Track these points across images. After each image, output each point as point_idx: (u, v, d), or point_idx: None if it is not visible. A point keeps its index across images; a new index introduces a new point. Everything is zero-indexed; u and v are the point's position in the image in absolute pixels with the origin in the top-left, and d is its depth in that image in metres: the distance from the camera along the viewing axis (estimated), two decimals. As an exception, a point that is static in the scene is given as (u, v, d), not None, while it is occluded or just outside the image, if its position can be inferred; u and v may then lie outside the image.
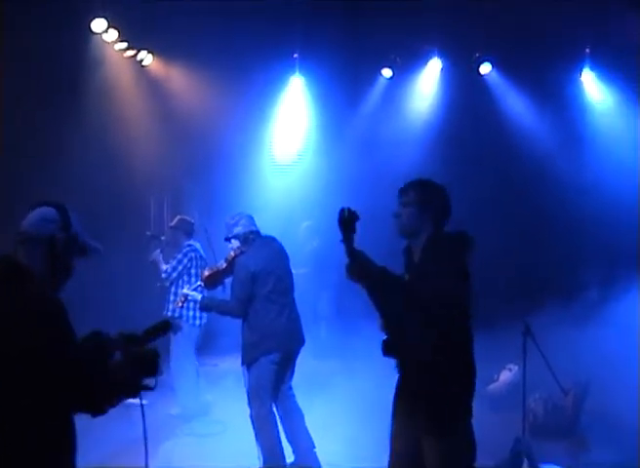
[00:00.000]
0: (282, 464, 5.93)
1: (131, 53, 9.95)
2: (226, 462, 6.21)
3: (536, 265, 9.30)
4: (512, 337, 6.16)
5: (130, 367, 2.84)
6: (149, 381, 2.92)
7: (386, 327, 3.80)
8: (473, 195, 10.38)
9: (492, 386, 8.02)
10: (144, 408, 3.05)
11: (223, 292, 6.40)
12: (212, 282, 6.24)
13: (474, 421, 7.26)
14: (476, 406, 7.70)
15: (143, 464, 5.61)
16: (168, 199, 10.92)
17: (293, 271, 11.03)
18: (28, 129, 7.57)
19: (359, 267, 3.68)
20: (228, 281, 6.20)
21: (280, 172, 11.68)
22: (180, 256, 7.53)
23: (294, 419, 6.08)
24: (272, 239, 6.18)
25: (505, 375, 8.00)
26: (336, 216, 3.82)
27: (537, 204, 10.13)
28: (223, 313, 6.20)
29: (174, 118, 10.45)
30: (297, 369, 9.40)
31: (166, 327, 3.13)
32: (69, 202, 8.05)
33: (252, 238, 5.99)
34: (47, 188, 7.67)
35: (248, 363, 5.89)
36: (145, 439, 3.04)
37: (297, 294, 10.87)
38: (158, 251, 7.77)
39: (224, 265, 6.06)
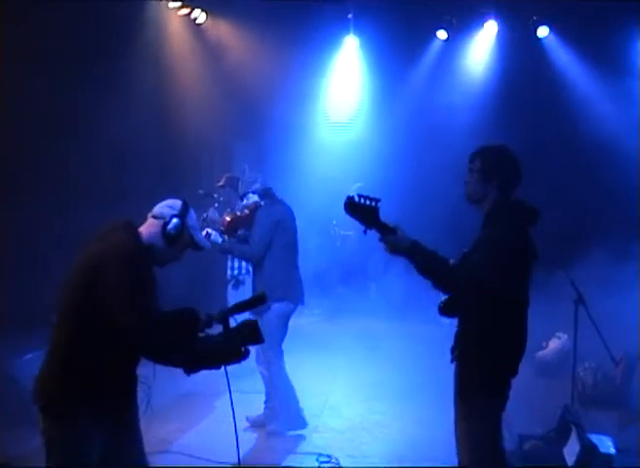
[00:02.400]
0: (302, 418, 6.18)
1: (185, 11, 9.95)
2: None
3: (591, 233, 9.13)
4: (563, 305, 6.12)
5: (233, 335, 3.31)
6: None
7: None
8: (529, 161, 10.26)
9: (540, 353, 8.01)
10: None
11: None
12: (231, 228, 6.40)
13: (522, 386, 7.35)
14: (524, 371, 7.78)
15: (190, 417, 5.76)
16: (219, 158, 10.97)
17: (342, 233, 11.24)
18: (82, 88, 7.60)
19: (390, 243, 3.61)
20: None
21: (333, 132, 11.66)
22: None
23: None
24: (281, 198, 6.38)
25: (555, 343, 7.99)
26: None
27: (593, 169, 9.94)
28: (242, 256, 6.51)
29: (228, 77, 10.45)
30: (346, 329, 9.63)
31: (262, 299, 3.64)
32: (122, 163, 8.14)
33: (270, 194, 6.31)
34: (98, 149, 7.83)
35: (260, 310, 5.85)
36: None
37: (345, 256, 10.99)
38: (212, 208, 7.83)
39: (247, 213, 6.25)
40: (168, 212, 3.50)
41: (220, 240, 6.19)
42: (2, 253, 6.48)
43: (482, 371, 3.71)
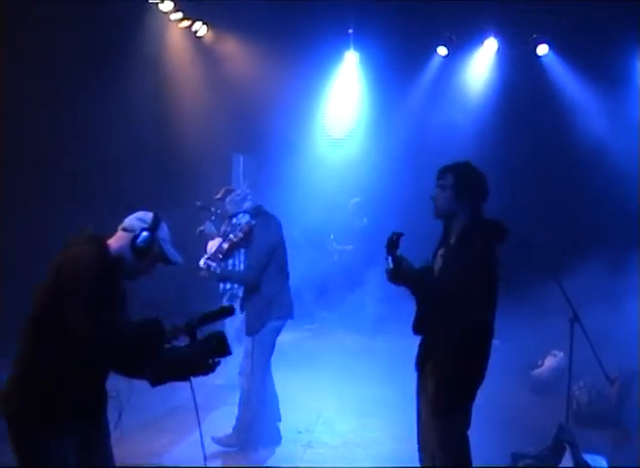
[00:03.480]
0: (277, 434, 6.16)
1: (186, 23, 9.97)
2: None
3: (590, 246, 9.10)
4: (559, 321, 6.09)
5: (200, 347, 3.24)
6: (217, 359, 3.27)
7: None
8: (528, 178, 10.28)
9: (536, 371, 7.99)
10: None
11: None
12: (229, 253, 6.36)
13: (517, 404, 7.33)
14: (519, 389, 7.81)
15: (184, 428, 5.72)
16: (218, 170, 10.96)
17: (338, 248, 11.23)
18: (81, 98, 7.62)
19: (399, 273, 3.79)
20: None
21: (331, 146, 11.67)
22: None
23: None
24: (271, 213, 6.30)
25: (550, 361, 7.95)
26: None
27: (593, 188, 9.94)
28: (240, 282, 6.40)
29: (227, 90, 10.47)
30: (341, 344, 9.59)
31: (230, 311, 3.52)
32: (119, 171, 8.13)
33: (262, 211, 6.21)
34: (98, 158, 7.82)
35: (257, 330, 5.96)
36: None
37: (342, 271, 10.97)
38: (209, 221, 7.80)
39: (241, 236, 6.12)
40: (138, 224, 3.46)
41: (218, 270, 6.12)
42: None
43: (454, 377, 3.89)
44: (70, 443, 3.26)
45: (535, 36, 10.30)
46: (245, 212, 6.24)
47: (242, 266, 6.71)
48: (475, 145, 10.01)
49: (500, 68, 10.72)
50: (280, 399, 6.20)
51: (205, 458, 3.75)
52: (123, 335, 3.19)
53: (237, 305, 7.43)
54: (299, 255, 7.10)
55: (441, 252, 4.03)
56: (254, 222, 6.10)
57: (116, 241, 3.43)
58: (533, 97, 10.31)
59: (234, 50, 10.77)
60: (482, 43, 10.57)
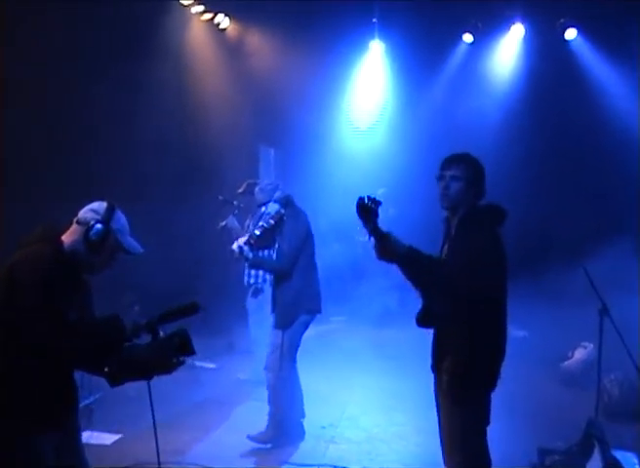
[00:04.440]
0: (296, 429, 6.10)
1: (208, 16, 9.91)
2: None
3: (622, 235, 8.89)
4: (588, 312, 5.93)
5: (162, 345, 3.15)
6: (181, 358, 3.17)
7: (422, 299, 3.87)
8: (555, 164, 10.08)
9: (566, 363, 7.85)
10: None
11: None
12: (261, 242, 6.23)
13: (545, 396, 7.18)
14: (548, 382, 7.67)
15: (207, 426, 5.69)
16: (245, 164, 10.91)
17: (365, 240, 11.10)
18: (105, 93, 7.61)
19: (385, 248, 3.58)
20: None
21: (356, 137, 11.55)
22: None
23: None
24: (299, 206, 6.24)
25: (580, 353, 7.80)
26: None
27: (620, 173, 9.71)
28: (272, 270, 6.29)
29: (252, 82, 10.41)
30: (367, 337, 9.50)
31: (194, 308, 3.32)
32: (143, 166, 8.16)
33: (291, 201, 6.15)
34: (122, 152, 7.81)
35: (289, 324, 5.90)
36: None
37: (370, 264, 10.87)
38: (232, 215, 7.76)
39: (272, 223, 6.01)
40: (91, 216, 3.32)
41: (250, 255, 6.03)
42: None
43: (468, 374, 3.72)
44: (46, 442, 3.19)
45: (562, 20, 10.09)
46: (275, 201, 6.21)
47: (273, 255, 6.62)
48: (502, 133, 9.90)
49: (526, 54, 10.52)
50: (305, 394, 6.15)
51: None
52: (80, 336, 3.09)
53: (260, 299, 7.44)
54: (325, 248, 7.02)
55: (446, 246, 3.94)
56: (284, 211, 6.04)
57: (70, 235, 3.31)
58: (560, 82, 10.08)
59: (258, 42, 10.71)
60: (508, 29, 10.38)
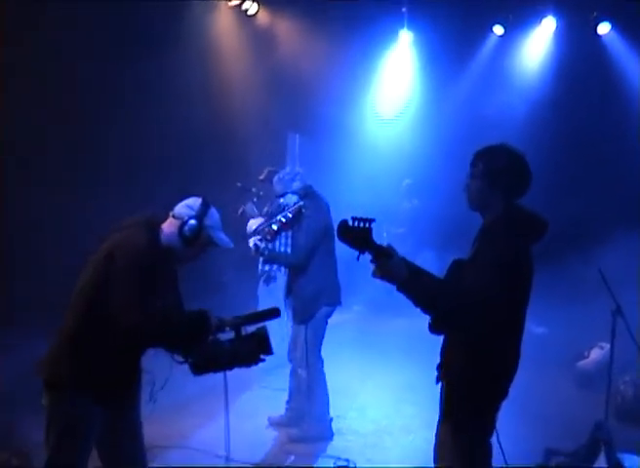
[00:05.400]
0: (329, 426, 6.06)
1: (236, 2, 9.86)
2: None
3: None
4: (604, 312, 5.83)
5: (244, 343, 3.48)
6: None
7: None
8: (586, 159, 9.90)
9: (581, 363, 7.76)
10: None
11: None
12: (276, 235, 6.17)
13: (558, 396, 7.09)
14: (564, 382, 7.57)
15: (213, 411, 5.72)
16: (272, 151, 10.87)
17: (396, 231, 11.00)
18: (131, 80, 7.62)
19: (385, 270, 3.24)
20: None
21: (382, 127, 11.44)
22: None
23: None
24: (320, 194, 6.09)
25: (596, 353, 7.70)
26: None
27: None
28: (287, 264, 6.16)
29: (279, 69, 10.34)
30: (383, 328, 9.45)
31: (276, 314, 3.77)
32: (169, 154, 8.18)
33: (311, 192, 6.00)
34: (149, 139, 7.83)
35: (310, 317, 5.86)
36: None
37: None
38: (251, 203, 7.73)
39: (290, 217, 5.91)
40: (186, 212, 3.55)
41: (266, 252, 6.01)
42: (37, 241, 6.53)
43: (472, 393, 3.42)
44: (98, 413, 3.41)
45: (595, 14, 9.88)
46: (293, 192, 6.04)
47: (288, 249, 6.57)
48: (530, 126, 9.73)
49: (557, 48, 10.30)
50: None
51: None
52: (169, 324, 3.35)
53: (271, 286, 7.42)
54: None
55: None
56: (302, 204, 5.91)
57: (167, 227, 3.55)
58: (591, 77, 9.86)
59: (286, 29, 10.61)
60: (540, 22, 10.19)
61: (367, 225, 3.24)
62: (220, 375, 3.54)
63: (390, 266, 3.24)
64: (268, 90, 10.09)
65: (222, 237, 3.65)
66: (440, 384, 3.58)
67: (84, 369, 3.36)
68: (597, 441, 5.07)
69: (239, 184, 7.72)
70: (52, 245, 6.51)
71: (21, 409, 5.58)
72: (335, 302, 6.04)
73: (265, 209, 7.63)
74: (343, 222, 3.28)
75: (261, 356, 3.50)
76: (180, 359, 3.42)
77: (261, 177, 7.70)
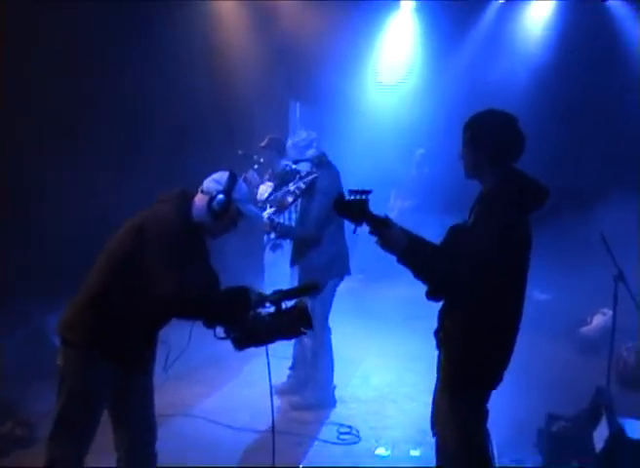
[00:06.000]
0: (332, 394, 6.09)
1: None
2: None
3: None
4: (607, 278, 5.81)
5: (284, 317, 3.50)
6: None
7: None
8: (588, 127, 9.84)
9: (584, 329, 7.78)
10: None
11: None
12: (287, 206, 6.02)
13: (561, 362, 7.09)
14: (566, 348, 7.60)
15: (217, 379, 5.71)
16: (274, 118, 10.81)
17: (398, 202, 10.91)
18: (133, 49, 7.59)
19: (385, 239, 3.27)
20: None
21: (384, 94, 11.34)
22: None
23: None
24: (333, 163, 5.95)
25: (599, 319, 7.71)
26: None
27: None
28: (299, 238, 5.97)
29: (279, 37, 10.25)
30: (389, 295, 9.42)
31: (316, 288, 3.86)
32: (172, 123, 8.13)
33: (325, 161, 5.86)
34: (151, 109, 7.82)
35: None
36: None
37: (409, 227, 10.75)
38: (252, 170, 7.70)
39: (303, 188, 5.73)
40: (214, 187, 3.58)
41: (279, 227, 5.87)
42: (36, 210, 6.54)
43: (468, 358, 3.40)
44: (111, 375, 3.47)
45: (600, -21, 9.76)
46: (307, 160, 5.87)
47: (292, 220, 6.50)
48: (533, 92, 9.65)
49: (561, 13, 10.16)
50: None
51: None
52: (208, 298, 3.41)
53: (277, 253, 7.40)
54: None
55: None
56: (316, 174, 5.74)
57: (197, 202, 3.58)
58: (595, 42, 9.75)
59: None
60: (543, -13, 10.08)
61: (363, 197, 3.25)
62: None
63: (389, 236, 3.27)
64: (270, 58, 10.03)
65: (252, 209, 3.71)
66: (438, 350, 3.58)
67: (102, 331, 3.41)
68: (598, 406, 5.08)
69: (241, 152, 7.69)
70: (52, 214, 6.53)
71: (25, 380, 5.65)
72: (344, 273, 6.00)
73: (266, 176, 7.62)
74: (339, 197, 3.33)
75: (302, 328, 3.54)
76: (222, 334, 3.45)
77: (263, 145, 7.68)
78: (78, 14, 6.99)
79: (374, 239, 3.32)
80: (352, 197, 3.26)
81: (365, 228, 3.32)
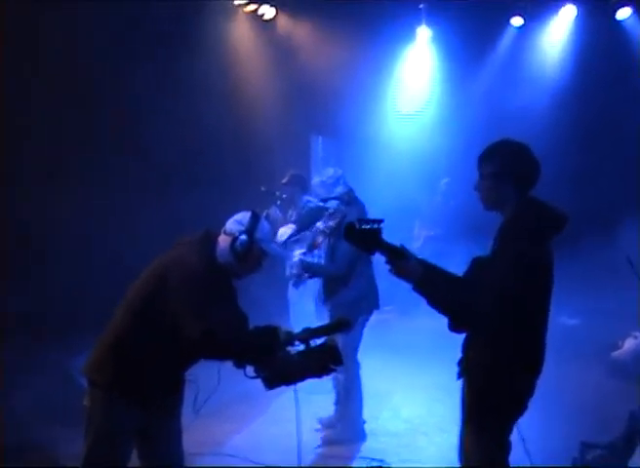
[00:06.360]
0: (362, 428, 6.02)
1: (252, 7, 9.87)
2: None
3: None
4: (636, 302, 5.75)
5: (314, 355, 3.46)
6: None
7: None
8: (605, 149, 9.80)
9: (616, 353, 7.67)
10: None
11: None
12: (318, 246, 6.01)
13: (594, 389, 6.99)
14: (598, 372, 7.48)
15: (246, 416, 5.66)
16: (293, 154, 10.87)
17: (424, 233, 10.86)
18: (150, 89, 7.67)
19: (400, 268, 3.29)
20: None
21: (405, 124, 11.36)
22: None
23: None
24: (361, 200, 5.98)
25: (630, 343, 7.61)
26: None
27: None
28: (327, 276, 6.00)
29: (298, 71, 10.35)
30: (414, 327, 9.37)
31: (347, 325, 3.82)
32: (192, 162, 8.22)
33: (353, 198, 5.89)
34: (172, 145, 7.88)
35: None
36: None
37: (432, 257, 10.69)
38: (274, 206, 7.73)
39: (332, 227, 5.75)
40: (236, 227, 3.57)
41: (311, 267, 5.92)
42: (60, 251, 6.59)
43: (491, 389, 3.39)
44: (137, 416, 3.49)
45: (614, -1, 9.77)
46: (335, 197, 5.89)
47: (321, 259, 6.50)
48: (553, 118, 9.66)
49: (577, 36, 10.20)
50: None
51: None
52: (238, 338, 3.43)
53: (301, 288, 7.38)
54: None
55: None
56: (345, 212, 5.75)
57: (220, 244, 3.57)
58: (612, 63, 9.76)
59: (303, 31, 10.60)
60: (558, 11, 10.11)
61: (375, 226, 3.26)
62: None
63: (404, 266, 3.28)
64: (289, 93, 10.10)
65: (275, 248, 3.76)
66: (462, 381, 3.55)
67: (126, 372, 3.44)
68: (633, 432, 5.00)
69: (263, 188, 7.72)
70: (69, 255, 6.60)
71: (55, 422, 5.67)
72: (373, 308, 5.99)
73: (290, 212, 7.64)
74: (350, 226, 3.30)
75: (332, 366, 3.50)
76: (252, 373, 3.44)
77: (285, 181, 7.71)
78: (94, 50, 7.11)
79: (388, 268, 3.34)
80: (363, 226, 3.26)
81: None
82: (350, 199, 5.86)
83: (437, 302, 3.30)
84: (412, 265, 3.29)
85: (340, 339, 5.61)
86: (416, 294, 6.94)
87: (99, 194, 6.93)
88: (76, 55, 6.90)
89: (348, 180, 6.08)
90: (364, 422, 6.05)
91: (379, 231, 3.26)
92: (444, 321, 3.46)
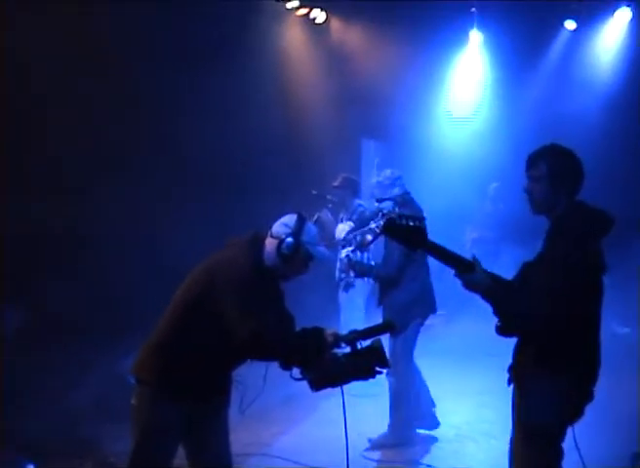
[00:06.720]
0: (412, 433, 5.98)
1: (303, 11, 9.92)
2: (377, 424, 6.15)
3: None
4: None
5: (361, 357, 3.46)
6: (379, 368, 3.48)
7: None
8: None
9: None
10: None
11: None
12: (368, 245, 6.06)
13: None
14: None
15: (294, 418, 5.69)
16: (345, 158, 10.88)
17: (474, 235, 10.77)
18: (206, 94, 7.76)
19: (470, 281, 3.29)
20: None
21: (456, 128, 11.31)
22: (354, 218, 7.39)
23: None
24: (417, 202, 5.97)
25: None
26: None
27: None
28: (378, 278, 6.03)
29: (350, 74, 10.37)
30: (465, 332, 9.31)
31: (392, 327, 3.88)
32: (245, 166, 8.26)
33: (409, 200, 5.88)
34: (228, 150, 7.97)
35: (402, 330, 5.71)
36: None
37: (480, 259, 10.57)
38: (326, 209, 7.75)
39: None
40: (283, 230, 3.58)
41: (358, 265, 5.95)
42: (109, 254, 6.69)
43: (542, 395, 3.33)
44: (183, 415, 3.52)
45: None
46: (390, 198, 5.89)
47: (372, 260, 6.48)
48: (605, 124, 9.50)
49: (632, 39, 10.04)
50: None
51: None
52: (285, 339, 3.45)
53: (351, 292, 7.39)
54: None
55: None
56: (398, 213, 5.79)
57: (267, 246, 3.60)
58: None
59: (355, 34, 10.65)
60: (613, 13, 9.98)
61: (417, 224, 3.29)
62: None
63: (475, 279, 3.28)
64: (340, 96, 10.12)
65: (321, 250, 3.72)
66: (512, 387, 3.52)
67: (173, 370, 3.48)
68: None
69: (314, 192, 7.76)
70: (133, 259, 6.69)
71: (105, 420, 5.76)
72: (428, 312, 5.98)
73: (340, 215, 7.65)
74: (391, 220, 3.34)
75: (378, 368, 3.49)
76: (299, 375, 3.45)
77: (336, 184, 7.73)
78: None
79: (458, 280, 3.35)
80: (404, 221, 3.28)
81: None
82: (405, 201, 5.84)
83: (501, 310, 3.31)
84: (482, 279, 3.30)
85: (390, 343, 5.68)
86: (461, 300, 6.93)
87: (150, 196, 7.02)
88: (130, 56, 7.02)
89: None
90: (432, 414, 6.06)
91: (425, 229, 3.30)
92: (490, 325, 3.45)
